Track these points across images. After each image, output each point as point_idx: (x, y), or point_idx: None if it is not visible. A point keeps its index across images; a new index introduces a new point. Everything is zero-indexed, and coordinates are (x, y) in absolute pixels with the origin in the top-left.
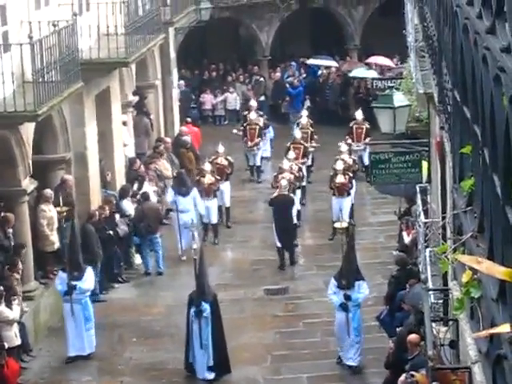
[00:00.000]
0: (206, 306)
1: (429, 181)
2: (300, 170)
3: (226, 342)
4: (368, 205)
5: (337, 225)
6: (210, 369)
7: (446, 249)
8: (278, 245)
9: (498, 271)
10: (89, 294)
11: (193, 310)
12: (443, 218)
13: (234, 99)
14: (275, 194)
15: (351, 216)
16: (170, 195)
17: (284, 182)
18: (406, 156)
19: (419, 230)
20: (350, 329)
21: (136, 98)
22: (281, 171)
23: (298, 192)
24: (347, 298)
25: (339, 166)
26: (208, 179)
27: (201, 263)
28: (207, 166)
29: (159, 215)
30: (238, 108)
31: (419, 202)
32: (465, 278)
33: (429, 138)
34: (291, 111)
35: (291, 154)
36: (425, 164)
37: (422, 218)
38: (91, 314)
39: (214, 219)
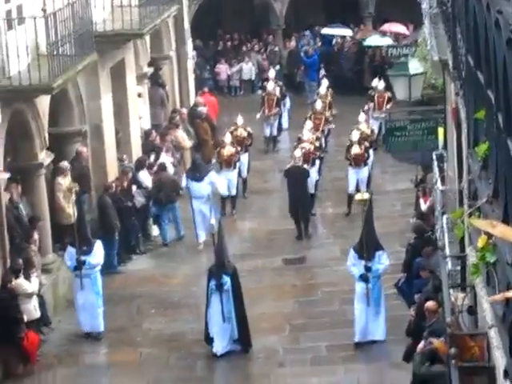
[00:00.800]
0: (227, 279)
1: (445, 147)
2: (318, 139)
3: (246, 315)
4: (385, 173)
5: (358, 196)
6: (235, 342)
7: (461, 214)
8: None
9: None
10: (99, 268)
11: (213, 283)
12: (459, 184)
13: (249, 69)
14: (288, 166)
15: (368, 186)
16: (184, 180)
17: (298, 153)
18: (421, 123)
19: (436, 197)
20: (369, 300)
21: (151, 70)
22: (300, 142)
23: (318, 162)
24: (367, 269)
25: (355, 136)
26: (228, 150)
27: (220, 237)
28: (227, 137)
29: (177, 185)
30: (253, 78)
31: (436, 169)
32: (480, 243)
33: (444, 105)
34: (306, 80)
35: (308, 125)
36: (441, 131)
37: (439, 185)
38: (100, 290)
39: (234, 191)
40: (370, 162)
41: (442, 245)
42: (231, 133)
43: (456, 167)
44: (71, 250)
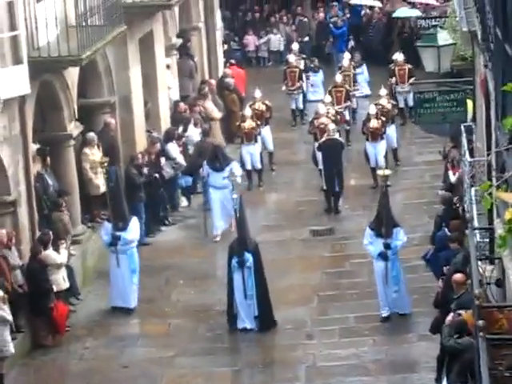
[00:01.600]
0: (249, 256)
1: (474, 119)
2: (337, 113)
3: (269, 293)
4: (413, 144)
5: (379, 172)
6: (255, 318)
7: (488, 187)
8: (325, 188)
9: None
10: (135, 244)
11: (235, 260)
12: (487, 157)
13: (277, 40)
14: (323, 139)
15: (395, 158)
16: (204, 169)
17: (332, 126)
18: (450, 95)
19: (464, 169)
20: (388, 278)
21: (180, 41)
22: (317, 116)
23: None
24: (387, 246)
25: (372, 110)
26: (249, 124)
27: (241, 213)
28: (247, 111)
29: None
30: (281, 49)
31: (464, 140)
32: (507, 215)
33: (473, 77)
34: (335, 52)
35: (327, 98)
36: (470, 102)
37: (468, 157)
38: (137, 266)
39: (258, 164)
40: (393, 136)
41: (470, 217)
42: (250, 106)
43: (485, 139)
44: (107, 226)
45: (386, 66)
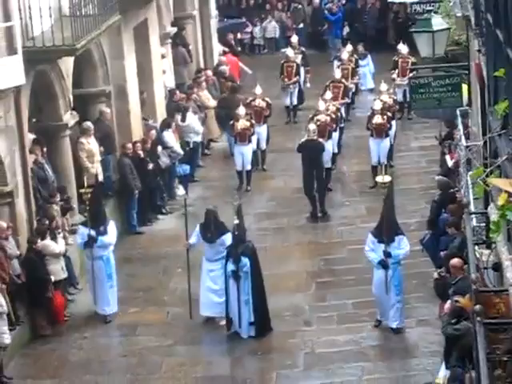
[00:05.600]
0: (246, 261)
1: (469, 104)
2: (338, 110)
3: (266, 300)
4: (409, 130)
5: (379, 179)
6: (250, 325)
7: (480, 172)
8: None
9: None
10: (111, 249)
11: (231, 268)
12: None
13: (272, 28)
14: (303, 140)
15: (390, 158)
16: (193, 237)
17: (312, 127)
18: (445, 80)
19: (460, 154)
20: (389, 288)
21: (174, 29)
22: (316, 113)
23: (335, 134)
24: (387, 254)
25: (377, 106)
26: (242, 124)
27: (240, 218)
28: (241, 110)
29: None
30: (277, 36)
31: (460, 125)
32: (500, 200)
33: (468, 61)
34: (330, 38)
35: (328, 95)
36: (465, 87)
37: (463, 141)
38: (113, 272)
39: (249, 166)
40: (392, 132)
41: (466, 202)
42: (249, 103)
43: (480, 123)
44: (83, 230)
45: (381, 51)
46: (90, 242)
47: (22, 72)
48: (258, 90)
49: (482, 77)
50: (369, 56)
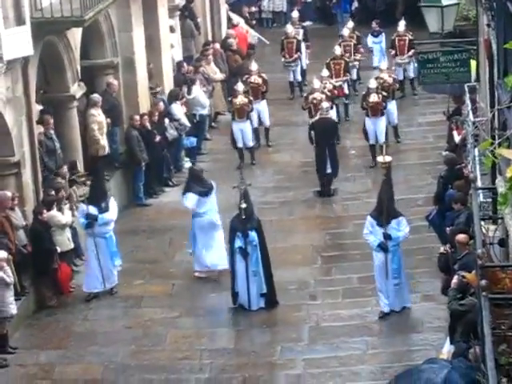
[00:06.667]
0: (254, 235)
1: (477, 79)
2: (335, 88)
3: (272, 272)
4: (416, 105)
5: (379, 159)
6: (262, 296)
7: (489, 144)
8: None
9: None
10: (112, 226)
11: (238, 244)
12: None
13: (280, 1)
14: (316, 118)
15: (396, 135)
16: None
17: (325, 104)
18: (454, 55)
19: (468, 129)
20: (388, 271)
21: (183, 2)
22: (311, 91)
23: (333, 112)
24: (387, 237)
25: (372, 84)
26: (240, 100)
27: (246, 197)
28: (239, 86)
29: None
30: (284, 10)
31: (468, 100)
32: (509, 173)
33: (477, 37)
34: (339, 12)
35: (325, 72)
36: (473, 63)
37: (471, 116)
38: (116, 249)
39: (250, 143)
40: (392, 112)
41: (473, 177)
42: (245, 80)
43: (488, 98)
44: (84, 208)
45: (391, 26)
46: (91, 222)
47: (30, 43)
48: (254, 66)
49: (490, 52)
50: (383, 34)
